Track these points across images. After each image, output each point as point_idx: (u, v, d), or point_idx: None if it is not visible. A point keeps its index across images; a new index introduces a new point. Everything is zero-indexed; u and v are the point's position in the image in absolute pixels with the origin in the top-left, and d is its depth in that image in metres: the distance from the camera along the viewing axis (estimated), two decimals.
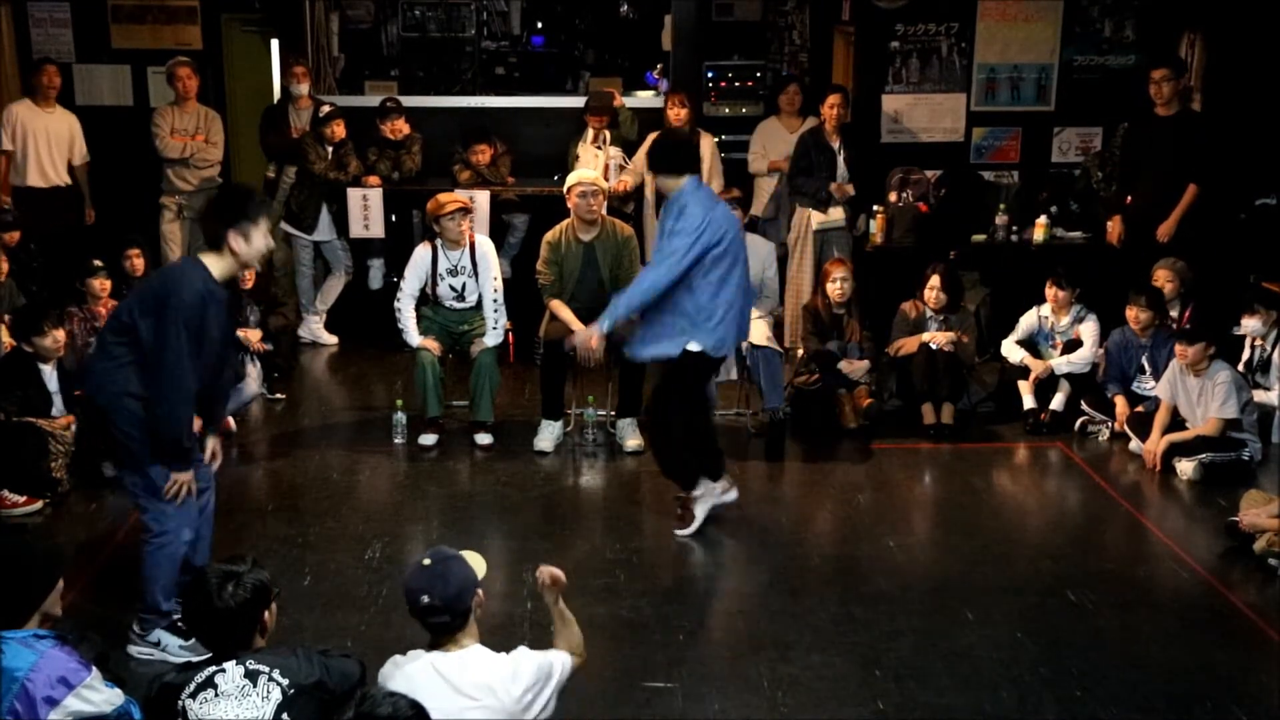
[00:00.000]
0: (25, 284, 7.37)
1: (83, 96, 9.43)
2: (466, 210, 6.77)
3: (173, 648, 4.50)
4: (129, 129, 9.12)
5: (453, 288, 6.79)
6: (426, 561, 3.29)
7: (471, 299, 6.82)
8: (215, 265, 4.31)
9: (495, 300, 6.75)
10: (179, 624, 4.50)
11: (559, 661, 3.42)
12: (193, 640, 4.39)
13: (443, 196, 6.81)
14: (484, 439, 6.74)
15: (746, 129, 8.98)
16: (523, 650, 3.36)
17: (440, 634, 3.29)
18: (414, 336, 6.72)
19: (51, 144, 8.28)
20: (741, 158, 8.74)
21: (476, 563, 3.39)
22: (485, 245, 6.87)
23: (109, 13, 9.48)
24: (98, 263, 6.92)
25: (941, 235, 8.13)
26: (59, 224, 8.15)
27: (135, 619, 4.61)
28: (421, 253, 6.77)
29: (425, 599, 3.23)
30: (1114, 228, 7.82)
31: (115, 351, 4.33)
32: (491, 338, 6.74)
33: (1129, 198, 7.83)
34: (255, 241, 4.32)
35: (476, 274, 6.77)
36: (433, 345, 6.70)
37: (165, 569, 4.48)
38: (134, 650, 4.56)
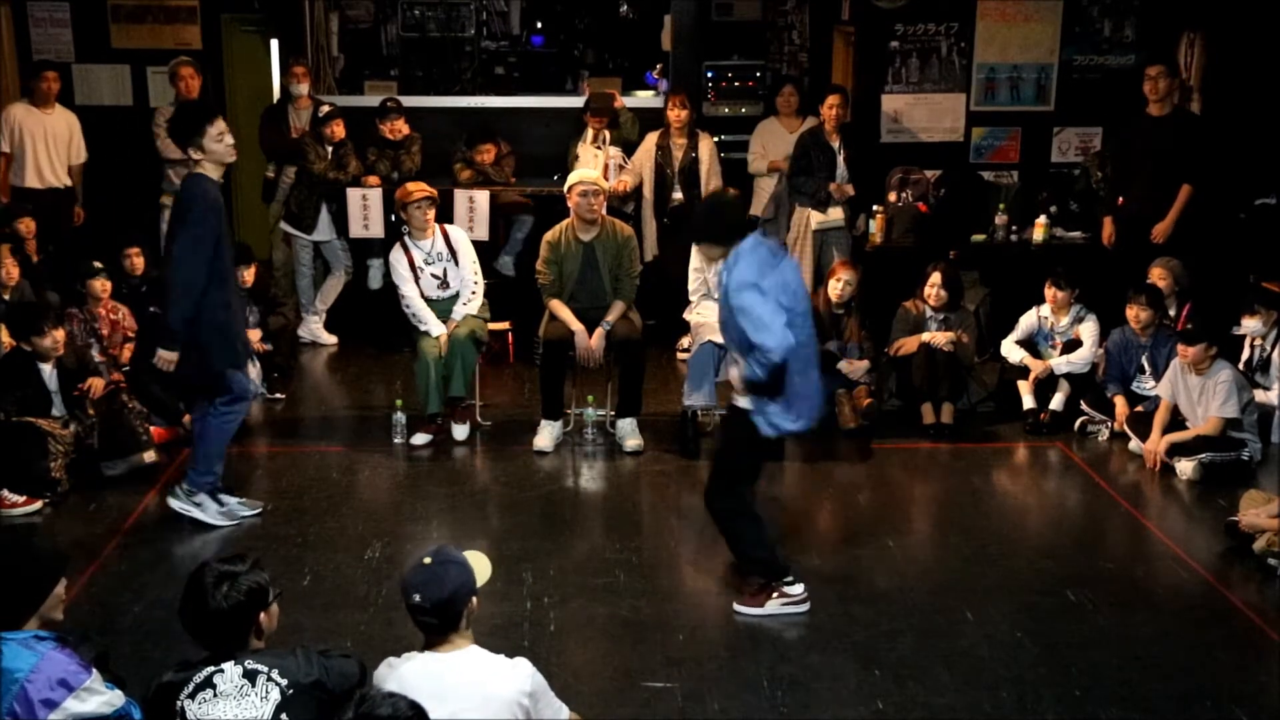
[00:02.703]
0: (41, 285, 7.36)
1: (83, 96, 9.42)
2: (433, 200, 6.83)
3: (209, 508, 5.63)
4: (129, 129, 9.12)
5: (435, 276, 6.81)
6: (427, 560, 3.27)
7: (456, 285, 6.85)
8: (206, 172, 5.25)
9: (475, 272, 6.87)
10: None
11: (562, 707, 3.41)
12: (228, 507, 5.64)
13: (410, 185, 6.91)
14: (460, 432, 6.77)
15: (746, 129, 8.98)
16: (527, 662, 3.33)
17: (430, 633, 3.29)
18: (435, 325, 6.73)
19: (50, 145, 8.29)
20: (741, 158, 8.74)
21: (482, 566, 3.38)
22: (457, 232, 6.98)
23: (109, 13, 9.47)
24: (98, 264, 6.93)
25: (941, 235, 8.13)
26: (52, 225, 8.08)
27: (184, 481, 5.67)
28: (397, 258, 6.82)
29: (416, 597, 3.22)
30: (1106, 228, 7.82)
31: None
32: (472, 304, 6.83)
33: (1121, 199, 7.83)
34: (211, 145, 5.20)
35: (456, 260, 6.80)
36: (452, 327, 6.73)
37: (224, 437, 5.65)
38: (174, 504, 5.64)
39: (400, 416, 6.75)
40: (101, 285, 6.91)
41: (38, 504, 5.82)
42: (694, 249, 6.98)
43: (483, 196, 8.33)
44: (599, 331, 6.62)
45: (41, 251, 7.73)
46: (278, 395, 7.49)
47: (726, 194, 5.50)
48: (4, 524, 5.67)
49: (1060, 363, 7.12)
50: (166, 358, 5.32)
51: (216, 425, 5.58)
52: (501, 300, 7.64)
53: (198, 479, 5.63)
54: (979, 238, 8.31)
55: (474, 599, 3.31)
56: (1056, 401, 7.10)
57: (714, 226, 4.78)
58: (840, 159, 7.98)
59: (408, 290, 6.77)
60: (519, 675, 3.26)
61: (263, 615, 3.23)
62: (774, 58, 11.10)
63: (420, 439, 6.73)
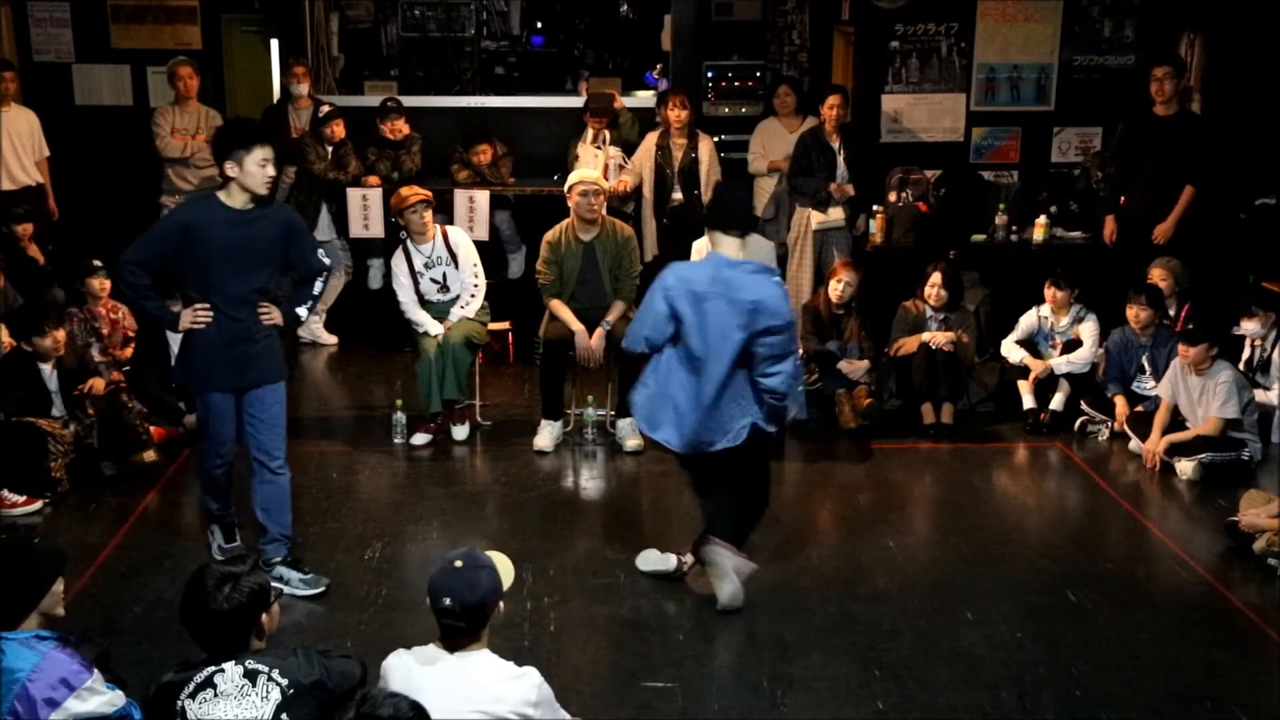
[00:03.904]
0: (39, 286, 7.36)
1: (82, 96, 9.43)
2: (428, 203, 6.81)
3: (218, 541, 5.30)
4: (129, 129, 9.12)
5: (434, 280, 6.81)
6: (458, 564, 3.26)
7: (455, 288, 6.85)
8: (226, 196, 4.84)
9: (475, 275, 6.83)
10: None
11: (567, 718, 3.41)
12: (236, 543, 5.27)
13: (404, 190, 6.88)
14: (460, 432, 6.77)
15: (746, 129, 8.97)
16: (535, 672, 3.34)
17: (451, 635, 3.29)
18: (432, 325, 6.73)
19: (16, 144, 8.16)
20: (741, 158, 8.73)
21: (505, 568, 3.38)
22: (458, 234, 6.95)
23: (109, 13, 9.48)
24: (97, 262, 6.93)
25: (941, 235, 8.13)
26: (33, 224, 7.92)
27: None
28: (397, 262, 6.82)
29: (447, 601, 3.22)
30: (1108, 227, 7.82)
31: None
32: (470, 307, 6.80)
33: (1123, 198, 7.83)
34: (249, 167, 4.77)
35: (456, 263, 6.80)
36: (446, 328, 6.72)
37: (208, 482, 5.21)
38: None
39: (400, 416, 6.75)
40: (99, 284, 6.90)
41: (38, 504, 5.82)
42: (694, 249, 7.00)
43: (483, 196, 8.33)
44: (599, 331, 6.62)
45: (43, 251, 7.74)
46: None
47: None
48: (4, 523, 5.67)
49: (1060, 363, 7.12)
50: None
51: (199, 466, 5.24)
52: (502, 300, 7.63)
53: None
54: (979, 238, 8.30)
55: (501, 605, 3.32)
56: (1056, 401, 7.09)
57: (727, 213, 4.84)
58: (840, 159, 7.97)
59: (404, 297, 6.78)
60: (525, 684, 3.26)
61: (264, 616, 3.23)
62: (774, 58, 11.11)
63: (420, 439, 6.73)
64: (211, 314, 4.89)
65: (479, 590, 3.23)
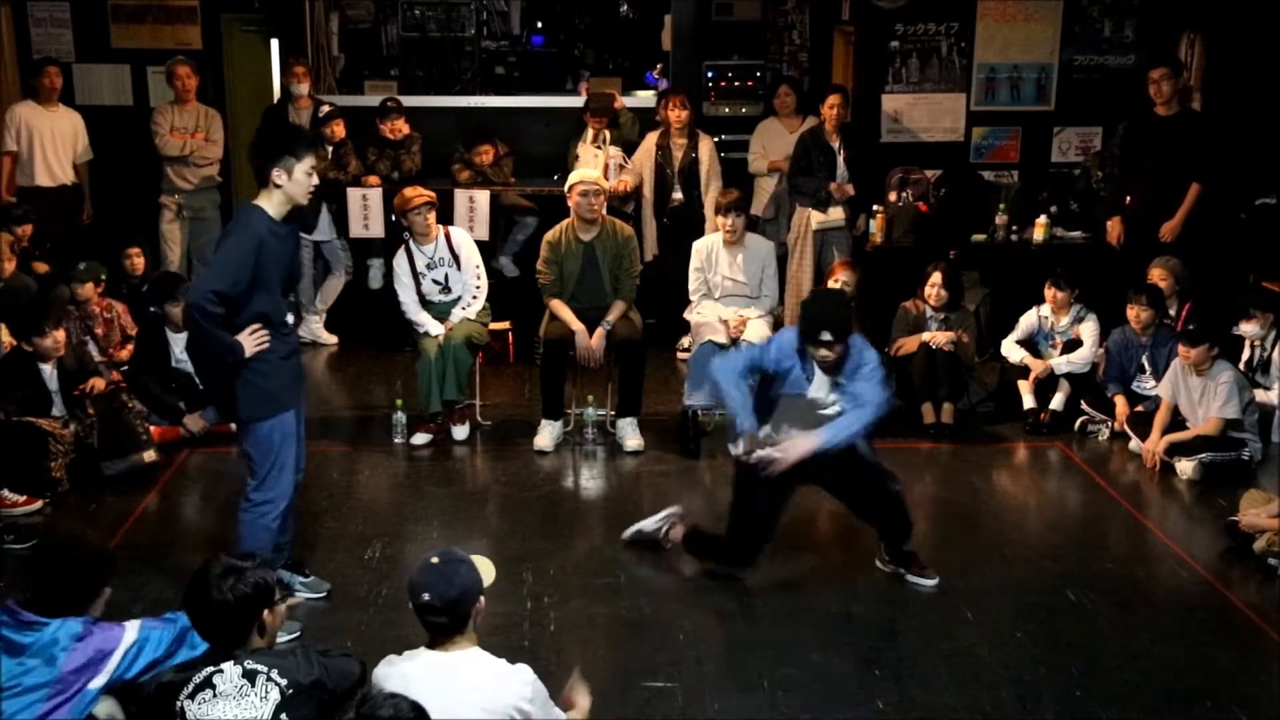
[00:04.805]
0: (54, 282, 7.40)
1: (83, 96, 9.42)
2: (432, 204, 6.81)
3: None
4: (129, 129, 9.12)
5: (436, 281, 6.82)
6: (435, 560, 3.28)
7: (457, 289, 6.85)
8: (268, 204, 4.59)
9: (478, 276, 6.83)
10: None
11: (561, 715, 3.41)
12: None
13: (408, 191, 6.86)
14: (460, 432, 6.77)
15: (746, 129, 8.98)
16: (528, 669, 3.33)
17: (437, 634, 3.29)
18: (433, 325, 6.73)
19: (58, 142, 8.33)
20: (741, 158, 8.74)
21: (486, 569, 3.39)
22: (460, 234, 6.95)
23: (109, 13, 9.48)
24: (82, 265, 7.00)
25: (941, 235, 8.13)
26: (63, 222, 8.20)
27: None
28: (399, 262, 6.81)
29: (425, 596, 3.23)
30: (1114, 228, 7.82)
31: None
32: (471, 309, 6.80)
33: (1128, 198, 7.83)
34: (298, 176, 4.55)
35: (458, 263, 6.80)
36: (448, 328, 6.72)
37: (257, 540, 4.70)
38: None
39: (400, 416, 6.75)
40: (85, 289, 6.94)
41: (38, 504, 5.82)
42: (694, 249, 7.01)
43: (483, 196, 8.33)
44: (599, 331, 6.62)
45: (44, 251, 7.75)
46: None
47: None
48: (4, 523, 5.66)
49: (1060, 363, 7.12)
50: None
51: (247, 523, 4.74)
52: (502, 300, 7.63)
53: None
54: (979, 238, 8.31)
55: (481, 600, 3.32)
56: (1056, 401, 7.09)
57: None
58: (840, 159, 7.97)
59: (405, 297, 6.78)
60: (519, 681, 3.26)
61: (267, 613, 3.23)
62: (774, 58, 11.11)
63: (420, 439, 6.73)
64: (268, 334, 4.63)
65: (456, 584, 3.23)
